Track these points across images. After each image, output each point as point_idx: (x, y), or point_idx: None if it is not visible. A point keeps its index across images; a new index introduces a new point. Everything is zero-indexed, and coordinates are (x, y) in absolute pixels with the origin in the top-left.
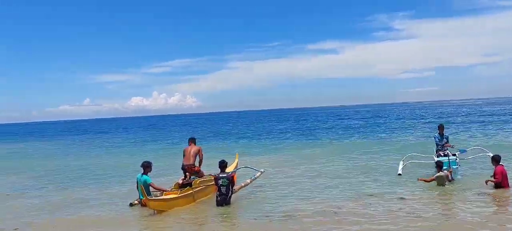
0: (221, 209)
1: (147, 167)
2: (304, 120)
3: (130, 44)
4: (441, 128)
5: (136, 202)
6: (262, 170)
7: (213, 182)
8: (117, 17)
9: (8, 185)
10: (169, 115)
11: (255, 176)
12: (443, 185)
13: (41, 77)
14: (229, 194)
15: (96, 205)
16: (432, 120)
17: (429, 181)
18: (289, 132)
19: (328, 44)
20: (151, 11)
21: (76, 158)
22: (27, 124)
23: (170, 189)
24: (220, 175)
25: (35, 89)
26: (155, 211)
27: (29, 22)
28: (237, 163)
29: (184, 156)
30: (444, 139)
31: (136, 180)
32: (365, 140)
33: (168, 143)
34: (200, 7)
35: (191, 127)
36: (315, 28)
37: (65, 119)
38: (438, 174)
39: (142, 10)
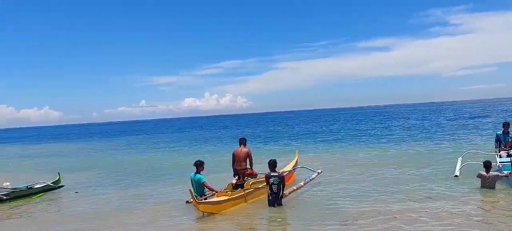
0: (274, 212)
1: (199, 165)
2: (357, 120)
3: (182, 46)
4: (506, 125)
5: (191, 200)
6: (320, 171)
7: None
8: (169, 20)
9: (77, 182)
10: (220, 115)
11: (311, 178)
12: (487, 186)
13: (100, 80)
14: (280, 194)
15: (153, 202)
16: (495, 119)
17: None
18: (341, 132)
19: (379, 42)
20: (201, 13)
21: (135, 157)
22: (89, 124)
23: (222, 190)
24: (271, 174)
25: (95, 91)
26: (205, 214)
27: (87, 28)
28: (296, 161)
29: (234, 159)
30: (509, 138)
31: (190, 179)
32: (423, 140)
33: (219, 143)
34: (248, 8)
35: (242, 127)
36: (365, 25)
37: (123, 120)
38: (480, 172)
39: (192, 13)
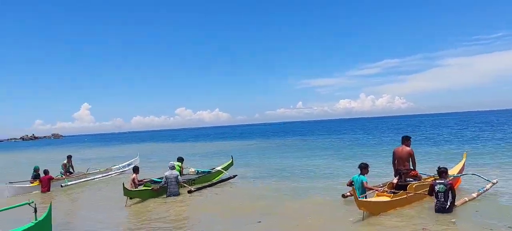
0: (443, 215)
1: (364, 168)
2: None
3: (338, 48)
4: None
5: (348, 193)
6: (495, 181)
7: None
8: (324, 23)
9: (246, 173)
10: (376, 117)
11: (484, 188)
12: None
13: (264, 83)
14: (448, 203)
15: (314, 196)
16: None
17: None
18: None
19: None
20: (356, 12)
21: (295, 155)
22: (251, 124)
23: (382, 189)
24: (437, 181)
25: (258, 94)
26: (364, 213)
27: (256, 33)
28: (464, 164)
29: (395, 158)
30: None
31: (350, 180)
32: None
33: (378, 144)
34: (409, 3)
35: (401, 129)
36: None
37: (281, 121)
38: None
39: (347, 12)
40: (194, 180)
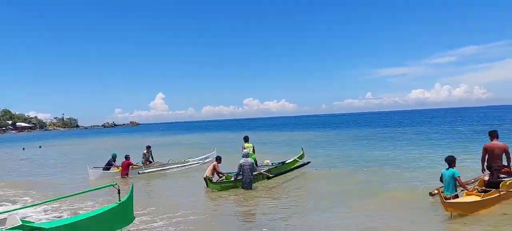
0: None
1: (452, 161)
2: None
3: (412, 35)
4: None
5: (435, 191)
6: None
7: None
8: (395, 12)
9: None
10: (452, 108)
11: None
12: None
13: (330, 75)
14: None
15: (391, 190)
16: None
17: None
18: None
19: None
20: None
21: (365, 148)
22: (318, 115)
23: (472, 187)
24: None
25: (325, 85)
26: (452, 214)
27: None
28: None
29: (486, 154)
30: None
31: (440, 175)
32: None
33: (460, 138)
34: None
35: (482, 121)
36: None
37: (349, 112)
38: None
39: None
40: (270, 170)
